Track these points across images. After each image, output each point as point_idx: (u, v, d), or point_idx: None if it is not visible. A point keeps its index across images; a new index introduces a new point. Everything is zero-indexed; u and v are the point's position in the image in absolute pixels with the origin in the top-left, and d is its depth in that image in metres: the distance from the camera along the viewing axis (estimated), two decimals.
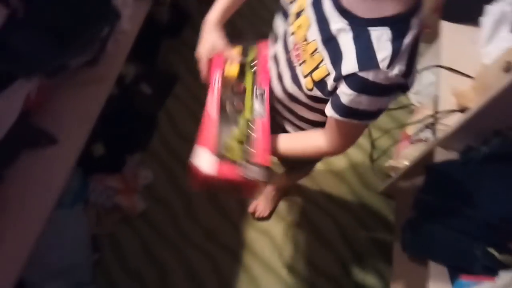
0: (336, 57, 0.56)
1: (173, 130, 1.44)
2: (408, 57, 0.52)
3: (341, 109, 0.57)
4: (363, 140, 1.47)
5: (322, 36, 0.58)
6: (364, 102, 0.55)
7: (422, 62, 1.36)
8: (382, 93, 0.55)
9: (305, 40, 0.61)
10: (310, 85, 0.62)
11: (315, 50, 0.59)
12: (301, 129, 0.77)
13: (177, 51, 1.60)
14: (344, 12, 0.54)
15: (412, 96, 1.47)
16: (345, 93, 0.55)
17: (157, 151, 1.40)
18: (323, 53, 0.58)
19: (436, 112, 1.05)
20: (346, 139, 0.65)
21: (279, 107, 0.77)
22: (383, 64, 0.51)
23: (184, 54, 1.59)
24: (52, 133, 0.92)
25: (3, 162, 0.84)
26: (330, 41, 0.56)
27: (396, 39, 0.51)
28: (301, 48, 0.63)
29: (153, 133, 1.43)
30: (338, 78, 0.55)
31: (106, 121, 1.07)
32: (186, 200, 1.32)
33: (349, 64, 0.53)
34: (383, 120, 1.50)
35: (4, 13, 0.74)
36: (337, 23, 0.55)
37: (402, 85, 0.54)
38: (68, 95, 0.97)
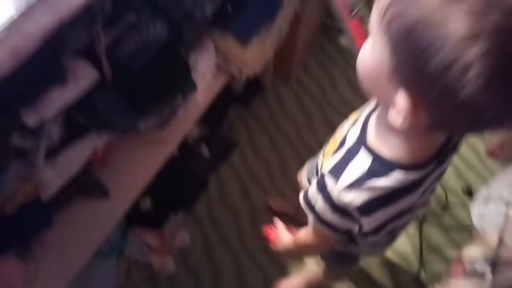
0: (334, 154, 0.60)
1: (219, 198, 1.45)
2: (370, 199, 0.51)
3: (304, 195, 0.61)
4: (410, 254, 1.36)
5: (348, 134, 0.60)
6: (319, 203, 0.56)
7: (494, 184, 1.27)
8: (332, 207, 0.55)
9: (341, 128, 0.67)
10: (322, 162, 0.67)
11: (340, 137, 0.63)
12: None
13: (243, 120, 1.65)
14: (363, 128, 0.56)
15: (475, 217, 1.36)
16: (312, 184, 0.58)
17: (199, 216, 1.41)
18: (338, 145, 0.62)
19: (498, 256, 0.95)
20: (314, 236, 0.67)
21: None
22: (341, 182, 0.52)
23: (249, 125, 1.63)
24: (106, 187, 0.97)
25: (56, 207, 0.89)
26: (343, 141, 0.60)
27: (369, 173, 0.51)
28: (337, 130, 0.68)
29: (200, 196, 1.44)
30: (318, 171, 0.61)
31: (158, 176, 1.11)
32: (215, 273, 1.29)
33: (328, 164, 0.56)
34: (436, 235, 1.39)
35: (96, 76, 0.82)
36: (356, 130, 0.58)
37: (353, 218, 0.54)
38: (129, 153, 1.03)
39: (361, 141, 0.54)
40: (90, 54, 0.80)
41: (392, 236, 0.77)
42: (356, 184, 0.51)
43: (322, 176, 0.55)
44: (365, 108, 0.61)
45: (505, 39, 0.32)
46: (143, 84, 0.88)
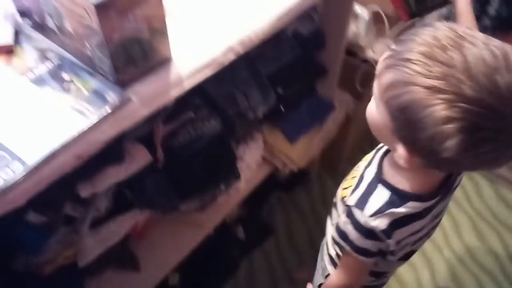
0: (355, 189, 0.67)
1: (247, 284, 1.42)
2: (391, 223, 0.61)
3: (337, 228, 0.69)
4: None
5: (363, 171, 0.70)
6: (351, 233, 0.65)
7: None
8: (363, 233, 0.64)
9: (358, 166, 0.75)
10: (340, 198, 0.75)
11: (355, 176, 0.71)
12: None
13: (283, 206, 1.65)
14: (380, 166, 0.67)
15: None
16: (341, 217, 0.67)
17: None
18: (356, 182, 0.69)
19: None
20: (348, 272, 0.73)
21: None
22: (367, 211, 0.62)
23: (288, 212, 1.63)
24: (139, 260, 1.01)
25: (89, 273, 0.94)
26: (361, 177, 0.69)
27: (389, 204, 0.61)
28: (354, 169, 0.77)
29: (229, 278, 1.43)
30: (345, 204, 0.67)
31: (191, 253, 1.13)
32: None
33: (353, 198, 0.65)
34: None
35: (149, 160, 0.90)
36: (373, 168, 0.68)
37: (382, 240, 0.63)
38: (167, 229, 1.08)
39: (379, 177, 0.65)
40: (147, 139, 0.89)
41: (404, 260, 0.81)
42: (379, 213, 0.61)
43: (349, 208, 0.65)
44: (378, 150, 0.71)
45: (473, 121, 0.44)
46: (190, 172, 0.95)
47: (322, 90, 1.26)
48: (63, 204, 0.81)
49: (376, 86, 0.55)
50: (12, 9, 0.66)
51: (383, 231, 0.62)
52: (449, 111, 0.44)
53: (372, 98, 0.58)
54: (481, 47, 0.45)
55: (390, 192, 0.62)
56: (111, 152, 0.82)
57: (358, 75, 1.47)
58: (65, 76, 0.57)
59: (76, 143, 0.50)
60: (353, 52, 1.48)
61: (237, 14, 0.74)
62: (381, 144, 0.72)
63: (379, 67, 0.54)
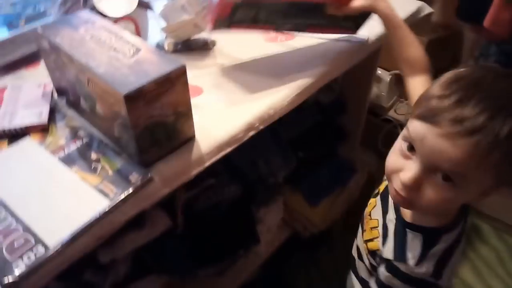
0: (384, 239, 0.66)
1: None
2: (437, 262, 0.60)
3: (380, 284, 0.65)
4: None
5: (383, 219, 0.69)
6: (398, 285, 0.63)
7: None
8: (413, 284, 0.61)
9: (370, 216, 0.74)
10: (366, 251, 0.73)
11: (375, 227, 0.70)
12: None
13: (305, 266, 1.60)
14: (397, 210, 0.66)
15: None
16: (383, 272, 0.64)
17: None
18: (380, 232, 0.68)
19: None
20: None
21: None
22: (411, 262, 0.61)
23: (310, 272, 1.57)
24: None
25: None
26: (385, 227, 0.68)
27: (427, 245, 0.60)
28: (365, 220, 0.76)
29: None
30: (381, 258, 0.66)
31: None
32: None
33: (388, 251, 0.64)
34: None
35: (169, 224, 0.91)
36: (390, 214, 0.67)
37: (432, 284, 0.61)
38: None
39: (402, 222, 0.64)
40: (168, 204, 0.90)
41: None
42: (422, 258, 0.60)
43: (390, 262, 0.63)
44: (383, 196, 0.71)
45: None
46: (209, 237, 0.95)
47: (344, 153, 1.26)
48: (83, 271, 0.82)
49: (462, 167, 0.49)
50: (51, 87, 0.71)
51: (432, 275, 0.61)
52: None
53: (445, 187, 0.51)
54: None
55: (421, 234, 0.61)
56: (133, 218, 0.83)
57: (381, 134, 1.46)
58: (93, 155, 0.60)
59: (97, 224, 0.52)
60: (375, 112, 1.49)
61: (257, 90, 0.77)
62: (382, 186, 0.74)
63: (460, 151, 0.48)
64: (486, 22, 1.23)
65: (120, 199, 0.54)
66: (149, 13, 0.90)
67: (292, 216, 1.17)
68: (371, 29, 0.91)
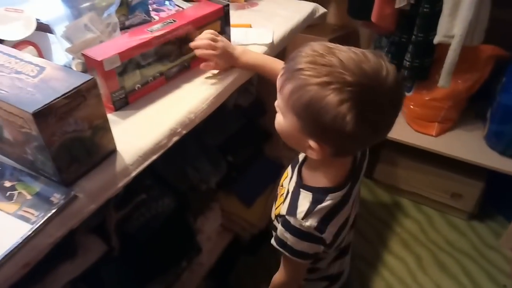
0: (283, 201, 0.76)
1: None
2: (321, 218, 0.70)
3: (276, 239, 0.76)
4: None
5: (289, 186, 0.78)
6: (289, 239, 0.72)
7: None
8: (301, 237, 0.71)
9: (282, 185, 0.84)
10: (273, 216, 0.82)
11: (283, 193, 0.80)
12: None
13: (252, 269, 1.61)
14: (299, 176, 0.76)
15: None
16: (279, 227, 0.74)
17: None
18: (284, 196, 0.77)
19: None
20: (288, 271, 0.81)
21: None
22: (299, 215, 0.70)
23: (257, 274, 1.59)
24: None
25: None
26: (287, 192, 0.77)
27: (314, 203, 0.70)
28: (278, 190, 0.85)
29: None
30: (277, 216, 0.76)
31: None
32: None
33: (284, 208, 0.74)
34: None
35: (104, 249, 0.87)
36: (294, 178, 0.77)
37: (316, 237, 0.71)
38: None
39: (300, 184, 0.74)
40: (100, 228, 0.87)
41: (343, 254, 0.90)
42: (308, 212, 0.70)
43: (283, 217, 0.72)
44: (293, 165, 0.80)
45: (359, 97, 0.57)
46: (148, 254, 0.93)
47: (270, 152, 1.32)
48: None
49: (279, 99, 0.66)
50: None
51: (316, 228, 0.70)
52: (340, 96, 0.57)
53: (278, 113, 0.68)
54: (346, 50, 0.60)
55: (311, 193, 0.72)
56: (62, 248, 0.79)
57: None
58: (7, 183, 0.57)
59: (21, 251, 0.49)
60: None
61: (176, 96, 0.79)
62: (296, 159, 0.82)
63: (278, 84, 0.65)
64: (373, 17, 1.39)
65: (42, 221, 0.52)
66: (51, 37, 0.87)
67: (230, 220, 1.19)
68: (275, 33, 0.99)
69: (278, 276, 0.85)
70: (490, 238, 1.64)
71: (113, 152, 0.64)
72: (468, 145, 1.54)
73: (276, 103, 0.69)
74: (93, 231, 0.86)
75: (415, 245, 1.64)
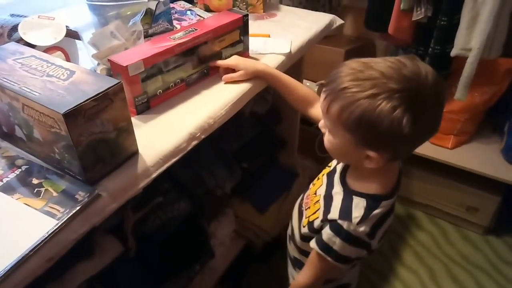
0: (327, 207, 0.76)
1: None
2: (373, 224, 0.72)
3: (321, 243, 0.75)
4: None
5: (326, 193, 0.80)
6: (338, 243, 0.73)
7: None
8: (351, 241, 0.72)
9: (315, 194, 0.83)
10: (305, 223, 0.82)
11: (318, 201, 0.80)
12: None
13: (263, 278, 1.62)
14: (344, 184, 0.77)
15: None
16: (326, 232, 0.74)
17: None
18: (321, 203, 0.79)
19: None
20: (318, 271, 0.80)
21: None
22: (355, 220, 0.71)
23: (268, 283, 1.59)
24: None
25: None
26: (328, 198, 0.78)
27: (369, 209, 0.72)
28: (310, 198, 0.85)
29: None
30: (324, 220, 0.76)
31: None
32: None
33: (334, 213, 0.74)
34: None
35: (120, 249, 0.89)
36: (336, 188, 0.78)
37: (366, 243, 0.73)
38: None
39: (349, 191, 0.75)
40: (117, 229, 0.89)
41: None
42: (364, 218, 0.71)
43: (334, 222, 0.73)
44: (330, 174, 0.81)
45: (408, 101, 0.60)
46: (162, 256, 0.95)
47: (285, 160, 1.33)
48: None
49: (327, 120, 0.69)
50: None
51: (368, 234, 0.72)
52: (391, 103, 0.60)
53: (326, 134, 0.71)
54: (382, 61, 0.63)
55: (365, 199, 0.73)
56: (80, 247, 0.81)
57: (317, 141, 1.56)
58: (34, 180, 0.60)
59: (46, 245, 0.51)
60: (309, 121, 1.59)
61: (195, 102, 0.81)
62: (333, 170, 0.83)
63: (323, 106, 0.68)
64: (390, 29, 1.40)
65: (67, 217, 0.54)
66: (79, 43, 0.91)
67: (243, 226, 1.21)
68: (292, 43, 1.01)
69: (305, 277, 0.83)
70: (506, 253, 1.61)
71: (135, 154, 0.66)
72: (484, 158, 1.53)
73: (321, 124, 0.73)
74: (111, 232, 0.89)
75: (428, 258, 1.62)
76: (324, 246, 0.75)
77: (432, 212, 1.77)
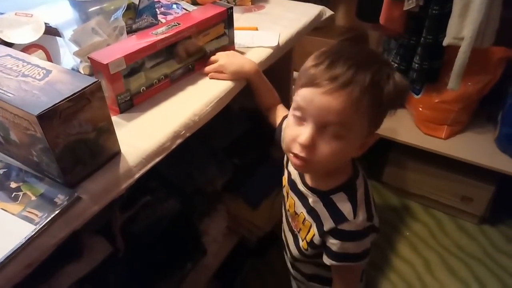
0: (317, 221, 0.73)
1: None
2: (365, 205, 0.71)
3: (334, 255, 0.72)
4: None
5: (305, 209, 0.76)
6: (350, 247, 0.71)
7: None
8: (360, 237, 0.71)
9: (296, 214, 0.80)
10: (305, 246, 0.79)
11: (304, 219, 0.77)
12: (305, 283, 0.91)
13: (258, 273, 1.61)
14: (313, 190, 0.74)
15: None
16: (332, 243, 0.71)
17: None
18: (310, 220, 0.75)
19: None
20: (349, 280, 0.79)
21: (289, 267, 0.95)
22: (349, 216, 0.69)
23: (264, 278, 1.59)
24: None
25: None
26: (312, 211, 0.75)
27: (351, 196, 0.70)
28: (295, 220, 0.81)
29: None
30: (323, 234, 0.72)
31: None
32: None
33: (329, 223, 0.71)
34: None
35: (109, 250, 0.88)
36: (310, 198, 0.75)
37: (371, 227, 0.71)
38: None
39: (324, 195, 0.73)
40: (105, 230, 0.88)
41: None
42: (355, 207, 0.70)
43: (335, 230, 0.70)
44: (293, 189, 0.80)
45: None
46: (153, 256, 0.93)
47: (277, 154, 1.31)
48: None
49: (338, 124, 0.61)
50: None
51: (368, 217, 0.70)
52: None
53: (325, 146, 0.63)
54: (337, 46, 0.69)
55: (341, 191, 0.71)
56: (68, 248, 0.80)
57: None
58: (12, 184, 0.58)
59: (24, 251, 0.50)
60: None
61: (180, 98, 0.79)
62: (291, 185, 0.81)
63: (327, 109, 0.61)
64: (381, 20, 1.38)
65: (45, 222, 0.52)
66: (60, 41, 0.89)
67: (236, 222, 1.19)
68: (281, 35, 0.99)
69: None
70: (501, 242, 1.61)
71: (117, 154, 0.64)
72: (478, 148, 1.52)
73: (308, 142, 0.62)
74: (99, 232, 0.87)
75: (423, 249, 1.62)
76: (340, 257, 0.72)
77: (427, 202, 1.76)
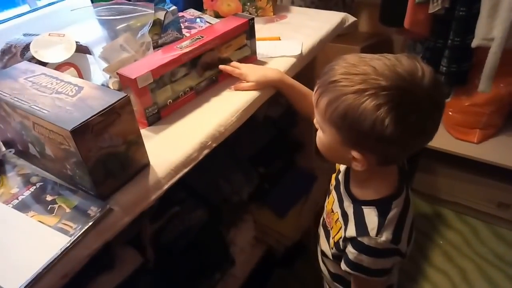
0: (346, 225, 0.73)
1: None
2: (394, 229, 0.68)
3: (350, 263, 0.71)
4: None
5: (340, 209, 0.76)
6: (366, 260, 0.69)
7: None
8: (378, 255, 0.69)
9: (332, 211, 0.80)
10: (332, 245, 0.79)
11: (337, 219, 0.77)
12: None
13: (286, 283, 1.60)
14: (350, 194, 0.74)
15: None
16: (350, 251, 0.71)
17: None
18: (341, 222, 0.75)
19: None
20: None
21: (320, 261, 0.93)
22: (372, 233, 0.67)
23: (290, 286, 1.57)
24: None
25: None
26: (344, 215, 0.75)
27: (381, 215, 0.68)
28: (330, 217, 0.81)
29: None
30: (345, 240, 0.72)
31: None
32: None
33: (351, 230, 0.70)
34: None
35: (139, 260, 0.90)
36: (346, 202, 0.75)
37: (394, 250, 0.69)
38: None
39: (356, 202, 0.72)
40: (136, 240, 0.90)
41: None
42: (380, 226, 0.67)
43: (354, 240, 0.69)
44: (336, 188, 0.79)
45: (395, 101, 0.56)
46: (182, 266, 0.94)
47: (302, 163, 1.31)
48: None
49: (317, 115, 0.66)
50: None
51: (392, 240, 0.68)
52: (376, 100, 0.56)
53: (318, 130, 0.68)
54: (379, 58, 0.60)
55: (374, 207, 0.69)
56: (100, 260, 0.82)
57: None
58: (48, 197, 0.60)
59: (60, 262, 0.51)
60: None
61: (205, 110, 0.81)
62: (337, 182, 0.80)
63: (314, 99, 0.65)
64: (406, 23, 1.35)
65: (80, 233, 0.54)
66: (90, 58, 0.92)
67: (263, 232, 1.19)
68: (304, 44, 0.99)
69: None
70: None
71: (146, 166, 0.66)
72: None
73: (315, 120, 0.69)
74: (129, 243, 0.89)
75: (459, 258, 1.56)
76: (354, 266, 0.71)
77: (460, 209, 1.70)
